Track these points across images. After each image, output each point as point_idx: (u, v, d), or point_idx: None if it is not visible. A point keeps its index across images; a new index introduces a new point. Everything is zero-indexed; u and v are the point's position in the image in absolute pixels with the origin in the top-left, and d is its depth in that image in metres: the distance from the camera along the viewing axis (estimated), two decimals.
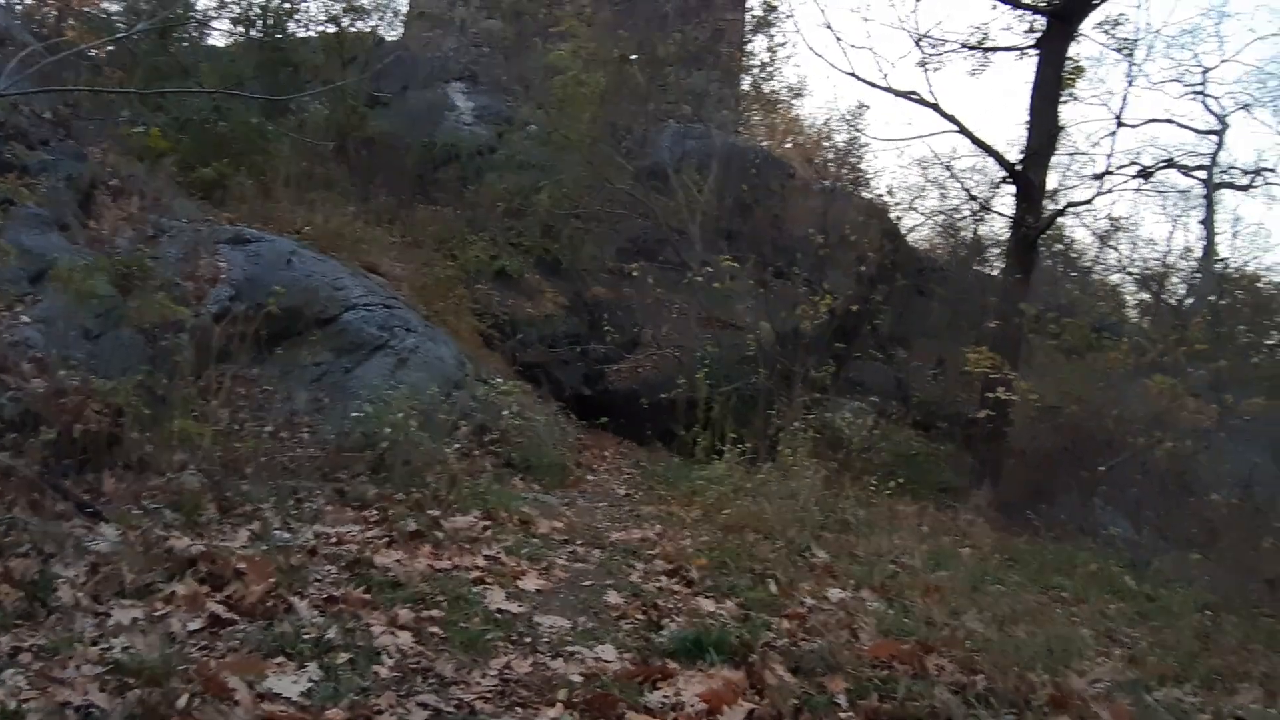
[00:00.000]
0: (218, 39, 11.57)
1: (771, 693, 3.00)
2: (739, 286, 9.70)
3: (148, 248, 6.14)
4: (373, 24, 12.47)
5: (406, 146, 11.71)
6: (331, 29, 11.40)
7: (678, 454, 8.44)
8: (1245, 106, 18.75)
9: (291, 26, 11.12)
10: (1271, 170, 17.96)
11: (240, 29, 11.11)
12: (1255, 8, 43.37)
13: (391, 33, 14.09)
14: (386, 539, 4.43)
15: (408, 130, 11.98)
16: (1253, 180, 17.79)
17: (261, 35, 10.88)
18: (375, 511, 4.91)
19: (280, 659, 2.89)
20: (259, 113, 9.32)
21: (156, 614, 3.09)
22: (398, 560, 4.09)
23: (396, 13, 14.11)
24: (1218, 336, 11.18)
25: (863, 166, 13.75)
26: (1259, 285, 15.69)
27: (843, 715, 2.98)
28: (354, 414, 5.95)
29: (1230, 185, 18.27)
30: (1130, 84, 21.92)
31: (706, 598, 4.18)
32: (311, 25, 11.51)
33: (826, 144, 15.14)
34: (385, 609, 3.46)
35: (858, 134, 14.29)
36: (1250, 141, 39.93)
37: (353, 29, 11.65)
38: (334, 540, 4.28)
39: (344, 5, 11.49)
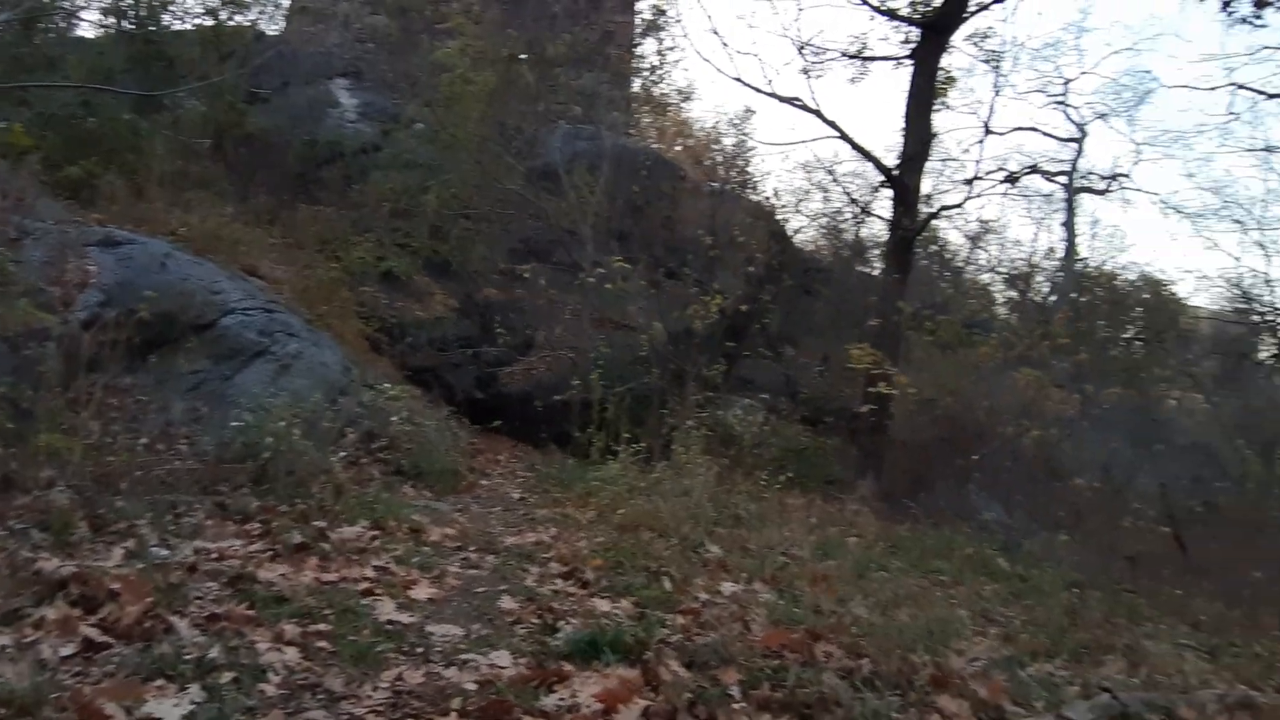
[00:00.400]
0: (86, 30, 11.00)
1: (666, 689, 3.04)
2: (631, 287, 9.78)
3: (10, 251, 5.74)
4: (252, 17, 12.03)
5: (287, 144, 11.34)
6: (208, 22, 10.93)
7: (573, 455, 8.44)
8: (1102, 116, 20.07)
9: (166, 18, 10.65)
10: (1126, 176, 19.27)
11: (111, 20, 10.59)
12: (1111, 24, 46.62)
13: (272, 27, 13.62)
14: (270, 553, 4.29)
15: (289, 128, 11.60)
16: (1109, 185, 19.03)
17: (134, 27, 10.37)
18: (258, 525, 4.74)
19: (160, 682, 2.76)
20: (131, 109, 8.91)
21: (25, 640, 2.91)
22: (283, 574, 3.96)
23: (277, 6, 13.64)
24: (1079, 331, 11.94)
25: (750, 170, 14.05)
26: (1115, 283, 16.82)
27: (735, 706, 3.04)
28: (234, 424, 5.72)
29: (1089, 190, 19.50)
30: (997, 94, 22.97)
31: (602, 598, 4.20)
32: (187, 17, 11.05)
33: (715, 147, 15.43)
34: (270, 625, 3.35)
35: (745, 138, 14.56)
36: (1107, 149, 42.78)
37: (231, 22, 11.20)
38: (215, 556, 4.12)
39: None
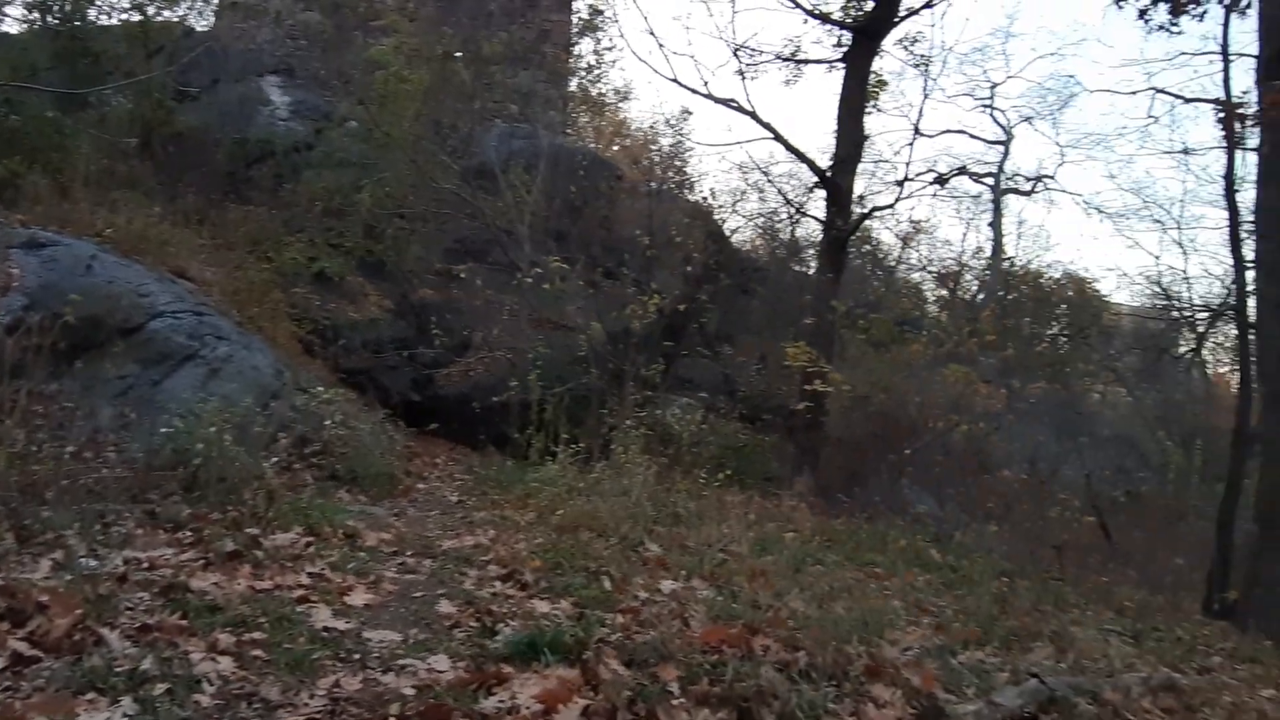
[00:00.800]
0: (9, 25, 10.68)
1: (606, 687, 3.06)
2: (569, 287, 9.78)
3: None
4: (181, 13, 11.74)
5: (217, 143, 11.08)
6: (136, 17, 10.62)
7: (512, 457, 8.40)
8: (1028, 119, 20.86)
9: (91, 13, 10.32)
10: (1051, 177, 19.97)
11: (35, 15, 10.24)
12: (1036, 30, 48.15)
13: (201, 22, 13.38)
14: (203, 561, 4.20)
15: (218, 126, 11.35)
16: (1034, 186, 19.72)
17: (58, 22, 10.03)
18: (190, 533, 4.63)
19: (91, 695, 2.69)
20: (55, 106, 8.67)
21: None
22: (215, 583, 3.88)
23: (207, 1, 13.34)
24: (1005, 328, 12.30)
25: (687, 170, 14.19)
26: (1040, 281, 17.36)
27: (675, 702, 3.07)
28: (163, 430, 5.59)
29: (1015, 191, 20.17)
30: (927, 97, 23.78)
31: (541, 599, 4.20)
32: (114, 12, 10.73)
33: (653, 147, 15.52)
34: (204, 634, 3.28)
35: (682, 138, 14.71)
36: (1032, 151, 44.21)
37: (159, 17, 10.91)
38: (146, 565, 4.02)
39: None
